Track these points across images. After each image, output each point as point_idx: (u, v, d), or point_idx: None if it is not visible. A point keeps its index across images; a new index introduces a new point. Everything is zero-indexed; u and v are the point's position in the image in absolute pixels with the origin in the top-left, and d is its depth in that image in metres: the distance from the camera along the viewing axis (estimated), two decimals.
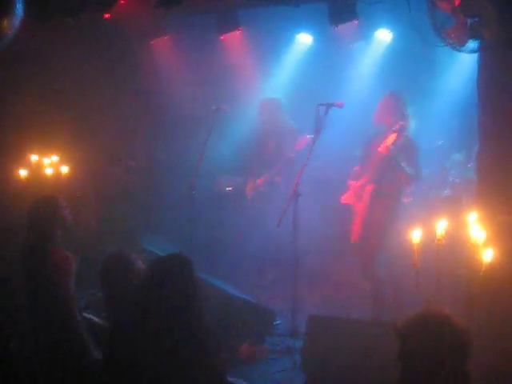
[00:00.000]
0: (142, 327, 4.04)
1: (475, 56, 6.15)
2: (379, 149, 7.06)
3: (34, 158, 8.19)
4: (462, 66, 8.45)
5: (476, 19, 5.83)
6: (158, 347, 3.98)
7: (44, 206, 5.64)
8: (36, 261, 5.44)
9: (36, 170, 8.06)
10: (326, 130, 6.56)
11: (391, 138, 7.04)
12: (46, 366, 5.30)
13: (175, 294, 4.06)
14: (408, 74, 8.74)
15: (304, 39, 9.78)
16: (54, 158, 8.28)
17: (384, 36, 9.24)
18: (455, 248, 5.69)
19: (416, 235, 5.10)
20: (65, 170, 8.08)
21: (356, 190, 7.26)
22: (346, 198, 7.36)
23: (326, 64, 9.46)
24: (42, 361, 5.33)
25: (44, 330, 5.32)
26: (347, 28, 8.38)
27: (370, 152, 7.31)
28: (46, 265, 5.37)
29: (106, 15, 8.71)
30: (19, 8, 6.85)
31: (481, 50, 5.97)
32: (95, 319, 6.19)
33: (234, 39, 9.41)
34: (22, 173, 7.93)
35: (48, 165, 8.15)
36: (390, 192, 7.08)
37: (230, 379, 4.97)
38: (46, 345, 5.30)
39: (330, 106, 6.57)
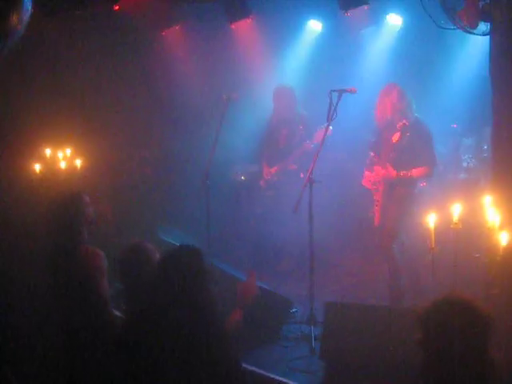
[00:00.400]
0: (157, 318, 4.07)
1: (487, 38, 6.09)
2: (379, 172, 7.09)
3: (47, 151, 8.23)
4: (474, 49, 8.39)
5: (487, 1, 5.80)
6: (172, 337, 4.01)
7: (70, 204, 5.44)
8: (66, 261, 5.30)
9: (50, 164, 8.10)
10: (339, 117, 6.52)
11: (395, 136, 7.03)
12: (83, 362, 5.24)
13: (185, 284, 4.08)
14: (419, 58, 8.72)
15: (314, 26, 9.76)
16: (68, 151, 8.32)
17: (394, 21, 9.20)
18: (472, 231, 5.67)
19: (432, 219, 5.09)
20: (79, 162, 8.12)
21: (372, 180, 7.24)
22: (365, 182, 7.35)
23: (337, 50, 9.44)
24: (78, 358, 5.27)
25: (79, 329, 5.20)
26: (357, 13, 8.37)
27: (380, 140, 7.28)
28: (77, 264, 5.25)
29: (116, 7, 8.70)
30: (28, 2, 6.79)
31: (493, 31, 5.93)
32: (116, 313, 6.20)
33: (244, 27, 9.39)
34: (37, 167, 7.97)
35: (62, 158, 8.19)
36: (404, 183, 7.03)
37: (246, 366, 5.00)
38: (79, 344, 5.21)
39: (342, 91, 6.52)
